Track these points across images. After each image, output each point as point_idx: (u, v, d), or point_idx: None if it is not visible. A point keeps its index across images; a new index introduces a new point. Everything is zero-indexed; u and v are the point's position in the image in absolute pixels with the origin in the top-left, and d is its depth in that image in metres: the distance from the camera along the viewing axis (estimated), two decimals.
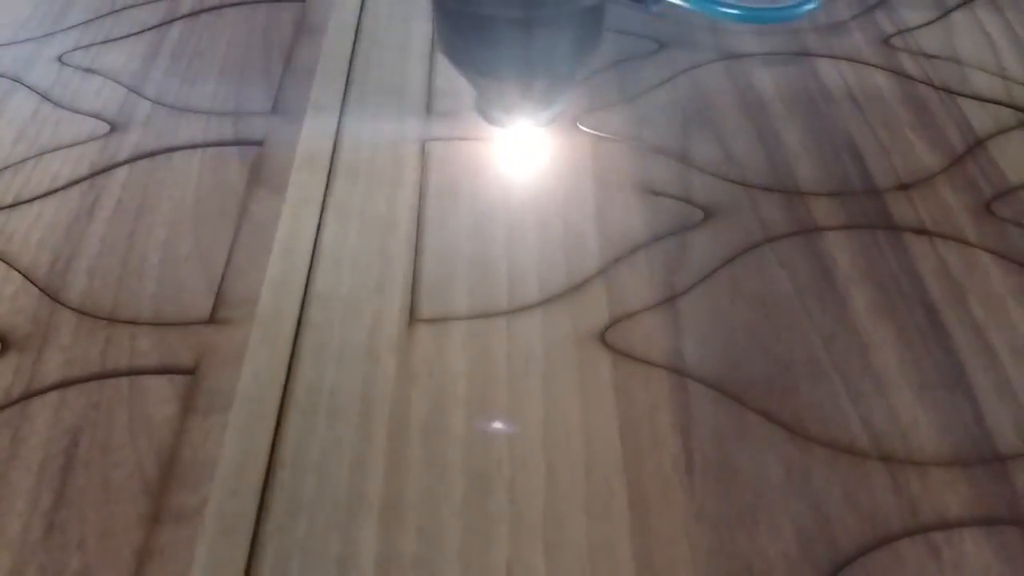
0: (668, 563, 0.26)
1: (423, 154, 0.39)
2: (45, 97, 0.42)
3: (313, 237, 0.35)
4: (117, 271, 0.34)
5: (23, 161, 0.39)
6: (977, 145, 0.39)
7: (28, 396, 0.30)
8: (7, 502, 0.27)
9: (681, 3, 0.37)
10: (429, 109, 0.41)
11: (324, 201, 0.36)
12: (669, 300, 0.33)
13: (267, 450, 0.28)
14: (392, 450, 0.28)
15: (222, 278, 0.33)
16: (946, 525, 0.26)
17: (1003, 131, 0.40)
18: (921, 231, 0.35)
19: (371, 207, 0.36)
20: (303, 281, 0.33)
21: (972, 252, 0.34)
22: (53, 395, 0.30)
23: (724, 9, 0.37)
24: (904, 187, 0.37)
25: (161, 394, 0.30)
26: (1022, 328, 0.32)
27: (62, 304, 0.33)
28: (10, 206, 0.37)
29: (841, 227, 0.35)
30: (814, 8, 0.38)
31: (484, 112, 0.38)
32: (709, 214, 0.36)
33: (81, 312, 0.32)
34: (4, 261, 0.34)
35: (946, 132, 0.39)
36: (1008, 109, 0.41)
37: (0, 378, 0.30)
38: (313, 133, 0.40)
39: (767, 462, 0.28)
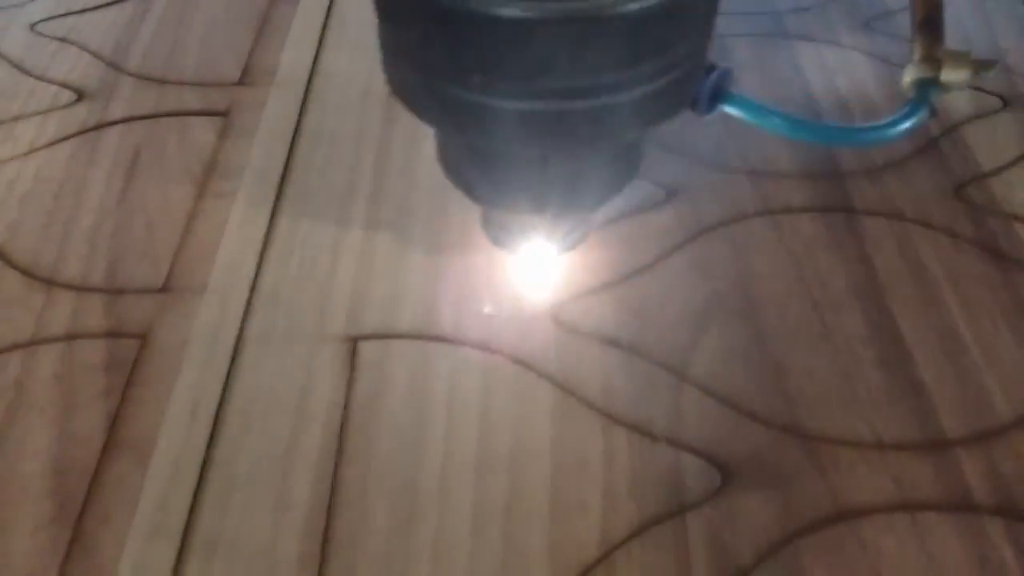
0: None
1: None
2: None
3: (320, 31, 0.44)
4: (165, 55, 0.43)
5: None
6: None
7: (99, 127, 0.39)
8: (87, 191, 0.36)
9: (744, 116, 0.29)
10: None
11: (329, 8, 0.45)
12: None
13: (284, 159, 0.37)
14: (376, 169, 0.37)
15: (248, 57, 0.42)
16: (789, 210, 0.35)
17: None
18: (808, 39, 0.44)
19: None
20: (311, 59, 0.42)
21: (848, 52, 0.43)
22: (119, 126, 0.39)
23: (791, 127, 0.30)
24: (801, 10, 0.46)
25: (203, 127, 0.39)
26: (877, 98, 0.40)
27: (123, 72, 0.42)
28: (79, 12, 0.46)
29: (742, 35, 0.44)
30: (915, 126, 0.30)
31: (493, 236, 0.32)
32: None
33: (138, 77, 0.42)
34: (77, 45, 0.43)
35: None
36: None
37: (75, 117, 0.39)
38: None
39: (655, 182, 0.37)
